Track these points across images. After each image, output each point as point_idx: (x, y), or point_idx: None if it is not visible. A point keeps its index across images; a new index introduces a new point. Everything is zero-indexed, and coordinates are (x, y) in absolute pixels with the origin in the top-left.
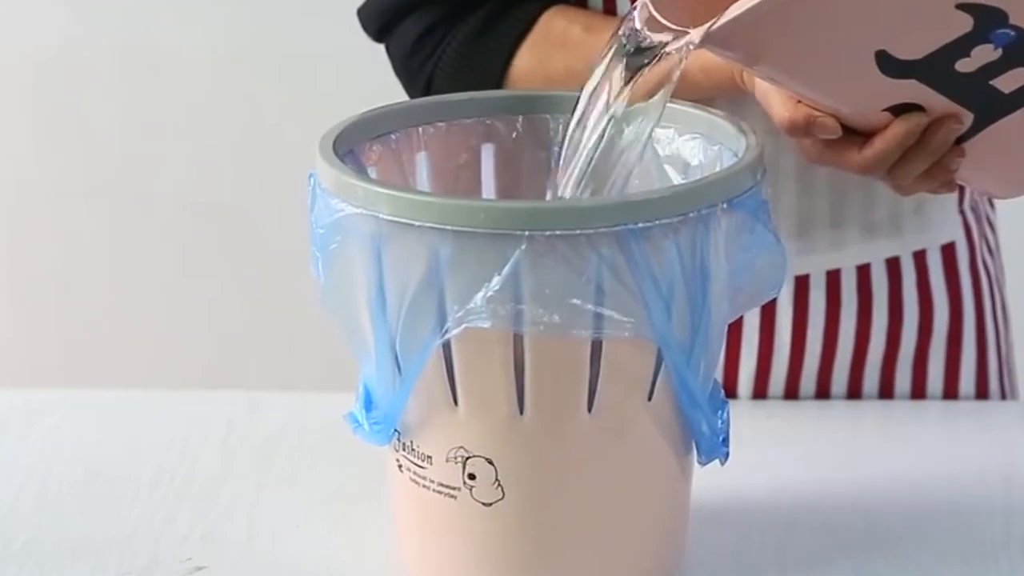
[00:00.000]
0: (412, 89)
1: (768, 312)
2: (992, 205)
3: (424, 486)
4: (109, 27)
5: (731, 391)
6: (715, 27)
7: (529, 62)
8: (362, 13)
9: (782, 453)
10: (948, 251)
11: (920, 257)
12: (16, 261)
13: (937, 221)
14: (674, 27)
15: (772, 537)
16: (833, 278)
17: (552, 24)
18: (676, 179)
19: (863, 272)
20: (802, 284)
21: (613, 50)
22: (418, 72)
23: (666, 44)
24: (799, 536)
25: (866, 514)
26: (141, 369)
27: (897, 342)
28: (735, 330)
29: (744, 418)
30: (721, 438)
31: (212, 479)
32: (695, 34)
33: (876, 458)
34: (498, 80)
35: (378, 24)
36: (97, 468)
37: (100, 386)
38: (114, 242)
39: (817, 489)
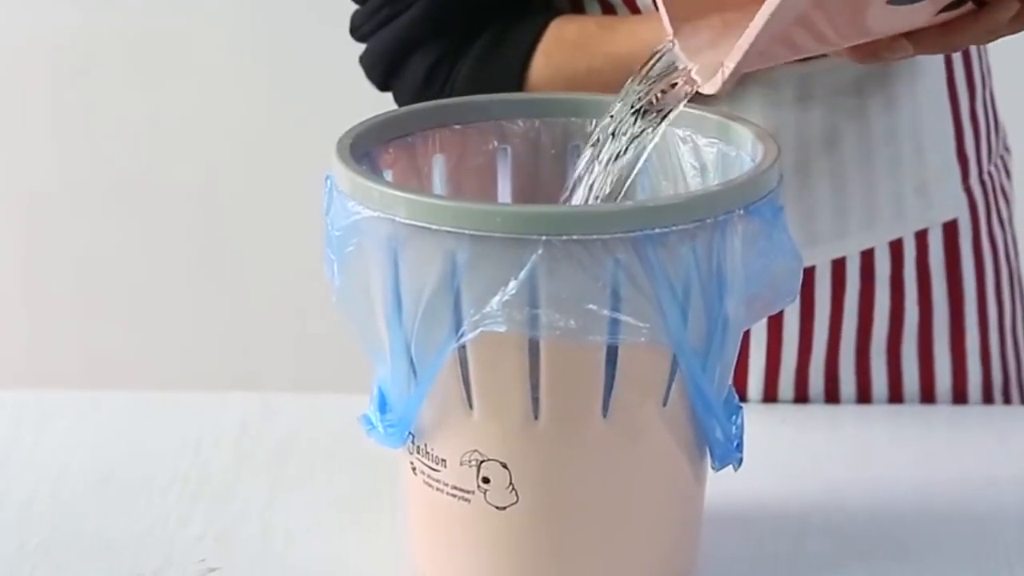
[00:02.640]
0: None
1: None
2: (1009, 175)
3: (438, 489)
4: (124, 27)
5: (741, 389)
6: (726, 79)
7: (547, 70)
8: (365, 60)
9: (794, 458)
10: (950, 228)
11: (921, 236)
12: (31, 262)
13: (939, 200)
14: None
15: (784, 542)
16: (838, 265)
17: (564, 28)
18: (694, 184)
19: (866, 255)
20: (807, 274)
21: (641, 86)
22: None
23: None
24: (811, 541)
25: (878, 520)
26: (155, 371)
27: (900, 321)
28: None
29: (755, 422)
30: (735, 444)
31: (226, 481)
32: (710, 88)
33: (888, 463)
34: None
35: (384, 66)
36: (111, 469)
37: (114, 387)
38: (129, 244)
39: (829, 494)
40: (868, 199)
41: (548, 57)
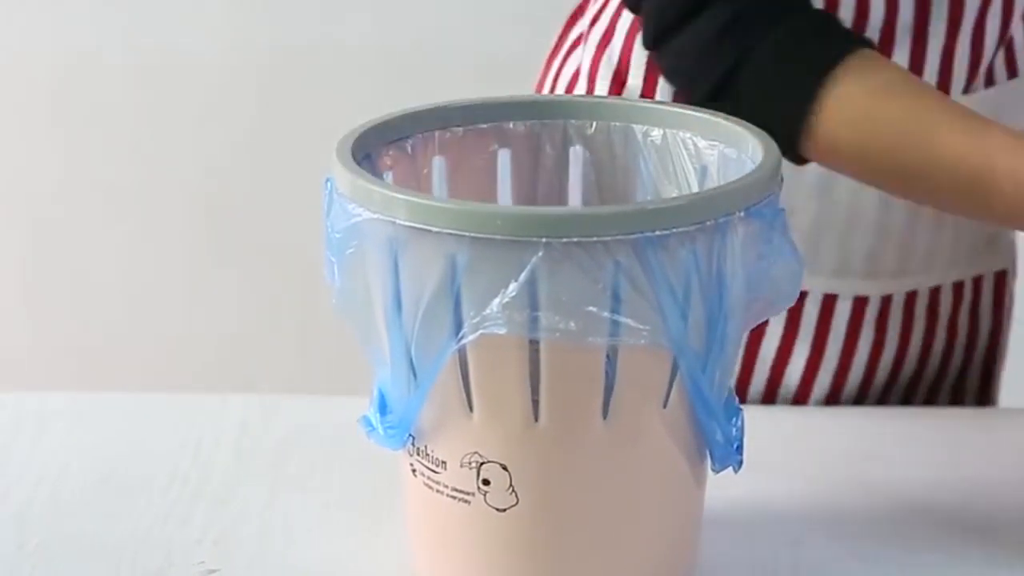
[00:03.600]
0: (700, 80)
1: (821, 322)
2: None
3: (438, 491)
4: (126, 32)
5: (743, 392)
6: None
7: (851, 134)
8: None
9: (795, 460)
10: (1000, 275)
11: (977, 281)
12: (32, 263)
13: (1004, 248)
14: None
15: (785, 545)
16: (909, 298)
17: (892, 82)
18: (694, 186)
19: (933, 292)
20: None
21: None
22: (719, 59)
23: None
24: (812, 544)
25: (878, 521)
26: (155, 372)
27: (948, 363)
28: (756, 334)
29: (755, 424)
30: (735, 446)
31: (225, 482)
32: None
33: (890, 466)
34: (812, 91)
35: (682, 9)
36: (111, 471)
37: (114, 389)
38: (129, 245)
39: (829, 496)
40: (950, 242)
41: (858, 119)
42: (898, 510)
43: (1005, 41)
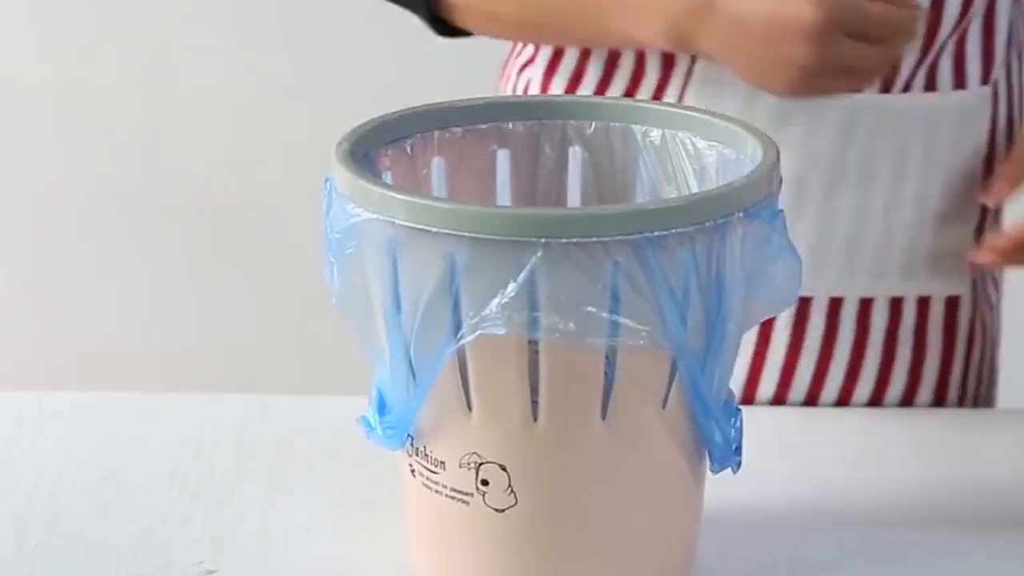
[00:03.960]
0: None
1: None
2: None
3: (436, 491)
4: (126, 34)
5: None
6: None
7: None
8: None
9: (795, 461)
10: (951, 301)
11: (923, 302)
12: (32, 263)
13: (950, 271)
14: None
15: (784, 546)
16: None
17: None
18: (693, 187)
19: (864, 303)
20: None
21: None
22: None
23: None
24: (811, 545)
25: (879, 524)
26: (154, 372)
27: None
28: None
29: (757, 425)
30: (734, 446)
31: (224, 482)
32: None
33: (890, 466)
34: None
35: None
36: (110, 471)
37: (113, 389)
38: (129, 245)
39: (830, 498)
40: (882, 248)
41: None
42: (898, 510)
43: (959, 31)
